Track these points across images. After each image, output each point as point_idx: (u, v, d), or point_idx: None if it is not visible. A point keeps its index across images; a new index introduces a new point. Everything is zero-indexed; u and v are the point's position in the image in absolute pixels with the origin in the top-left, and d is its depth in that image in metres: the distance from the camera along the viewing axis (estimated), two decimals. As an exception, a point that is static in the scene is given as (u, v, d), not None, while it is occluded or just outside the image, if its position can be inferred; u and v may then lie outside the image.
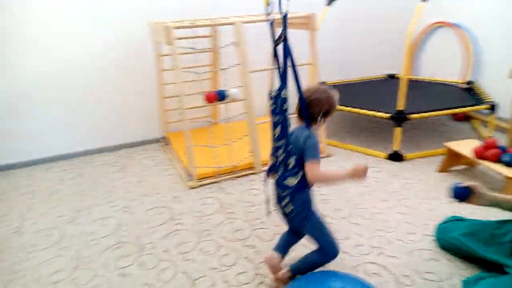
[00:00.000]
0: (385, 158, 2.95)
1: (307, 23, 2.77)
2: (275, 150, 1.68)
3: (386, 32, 4.05)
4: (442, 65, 3.99)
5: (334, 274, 1.53)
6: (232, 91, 2.63)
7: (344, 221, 2.20)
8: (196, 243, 2.07)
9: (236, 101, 2.69)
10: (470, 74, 3.66)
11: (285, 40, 1.57)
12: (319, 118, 1.62)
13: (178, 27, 2.44)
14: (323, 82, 3.89)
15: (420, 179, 2.64)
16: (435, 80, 3.76)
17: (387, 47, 4.14)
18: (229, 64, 2.75)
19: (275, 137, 1.67)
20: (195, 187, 2.63)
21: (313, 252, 1.72)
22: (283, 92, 1.59)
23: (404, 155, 2.92)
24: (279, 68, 1.63)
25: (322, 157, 2.98)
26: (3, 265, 1.95)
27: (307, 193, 1.65)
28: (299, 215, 1.65)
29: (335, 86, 3.83)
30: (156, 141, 3.53)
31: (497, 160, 2.34)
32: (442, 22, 3.88)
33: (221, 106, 3.35)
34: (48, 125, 3.15)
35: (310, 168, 1.56)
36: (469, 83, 3.49)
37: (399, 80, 3.93)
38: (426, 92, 3.56)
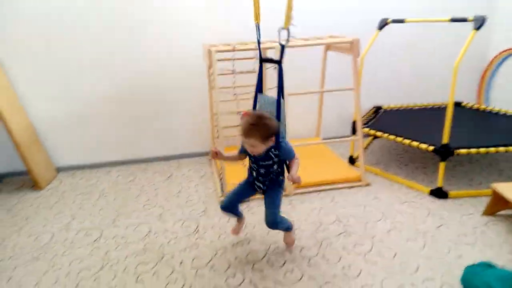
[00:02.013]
0: (427, 194, 2.78)
1: (350, 48, 2.73)
2: None
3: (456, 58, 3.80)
4: (515, 95, 3.62)
5: None
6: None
7: (360, 257, 2.14)
8: (209, 259, 2.18)
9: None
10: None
11: (280, 66, 1.98)
12: None
13: (219, 51, 2.58)
14: (379, 107, 3.79)
15: (459, 221, 2.44)
16: (504, 112, 3.42)
17: (458, 73, 3.88)
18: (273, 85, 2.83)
19: None
20: (225, 204, 2.75)
21: None
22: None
23: (449, 192, 2.72)
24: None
25: (359, 185, 2.94)
26: (44, 257, 2.26)
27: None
28: None
29: (392, 111, 3.72)
30: (206, 154, 3.74)
31: (546, 211, 2.09)
32: (516, 49, 3.53)
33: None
34: (112, 135, 3.52)
35: None
36: (540, 118, 3.13)
37: (464, 108, 3.71)
38: (489, 124, 3.26)
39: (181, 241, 2.36)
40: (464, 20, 2.61)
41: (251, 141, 1.83)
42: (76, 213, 2.76)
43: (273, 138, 1.88)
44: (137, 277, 2.05)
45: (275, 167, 2.00)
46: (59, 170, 3.51)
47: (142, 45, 3.29)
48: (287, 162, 2.04)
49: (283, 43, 1.97)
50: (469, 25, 2.57)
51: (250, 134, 1.82)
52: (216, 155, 1.97)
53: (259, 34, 2.04)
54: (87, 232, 2.51)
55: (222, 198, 2.28)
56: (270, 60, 2.08)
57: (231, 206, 2.18)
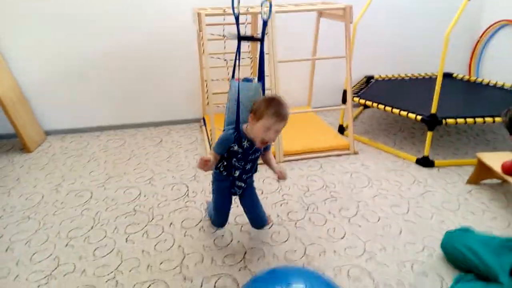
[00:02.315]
0: (414, 162, 2.83)
1: (343, 15, 2.71)
2: None
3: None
4: (506, 67, 3.64)
5: (295, 272, 1.55)
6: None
7: (345, 221, 2.20)
8: (199, 221, 2.22)
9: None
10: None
11: (262, 42, 1.78)
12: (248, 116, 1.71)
13: (209, 14, 2.54)
14: (371, 76, 3.79)
15: (443, 188, 2.51)
16: (494, 84, 3.45)
17: (450, 44, 3.87)
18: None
19: None
20: (215, 169, 2.78)
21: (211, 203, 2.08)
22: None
23: (435, 161, 2.78)
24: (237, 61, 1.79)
25: (348, 154, 2.98)
26: (35, 217, 2.29)
27: (215, 172, 1.89)
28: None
29: (383, 81, 3.73)
30: (197, 121, 3.73)
31: (527, 179, 2.15)
32: (508, 20, 3.51)
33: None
34: (101, 99, 3.49)
35: None
36: (529, 89, 3.17)
37: (455, 79, 3.73)
38: (478, 95, 3.30)
39: (171, 204, 2.40)
40: (458, -12, 2.59)
41: (282, 126, 1.66)
42: (67, 175, 2.77)
43: None
44: (127, 237, 2.09)
45: (258, 160, 1.87)
46: (48, 133, 3.49)
47: (132, 9, 3.22)
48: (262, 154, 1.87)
49: (265, 17, 1.77)
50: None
51: (286, 118, 1.65)
52: (206, 163, 1.64)
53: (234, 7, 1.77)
54: (78, 193, 2.53)
55: (214, 221, 2.06)
56: (251, 38, 1.93)
57: (226, 219, 2.00)
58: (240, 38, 1.79)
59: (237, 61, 1.78)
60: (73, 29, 3.20)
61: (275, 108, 1.61)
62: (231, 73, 1.86)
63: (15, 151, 3.20)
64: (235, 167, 1.79)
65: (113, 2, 3.17)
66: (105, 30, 3.25)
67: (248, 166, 1.82)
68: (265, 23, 1.79)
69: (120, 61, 3.37)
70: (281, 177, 1.79)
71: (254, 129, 1.66)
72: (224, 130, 1.78)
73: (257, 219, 1.95)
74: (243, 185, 1.87)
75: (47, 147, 3.25)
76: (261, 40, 1.82)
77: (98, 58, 3.32)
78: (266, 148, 1.84)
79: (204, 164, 1.62)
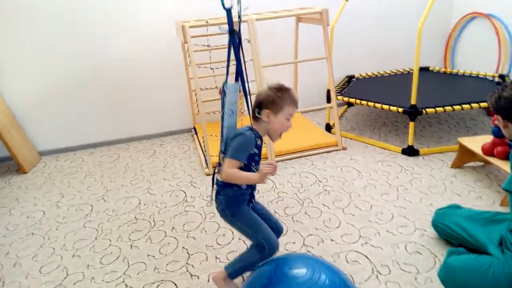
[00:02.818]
0: (399, 153, 2.97)
1: (320, 18, 2.85)
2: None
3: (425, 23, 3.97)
4: (479, 57, 3.83)
5: (297, 258, 1.64)
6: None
7: (339, 211, 2.30)
8: (199, 223, 2.30)
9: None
10: (506, 67, 3.50)
11: (239, 40, 1.75)
12: (255, 113, 1.58)
13: (192, 26, 2.65)
14: (352, 76, 3.94)
15: (430, 174, 2.64)
16: (469, 73, 3.63)
17: (424, 39, 4.06)
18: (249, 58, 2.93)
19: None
20: (210, 174, 2.87)
21: (248, 250, 1.69)
22: (225, 85, 1.66)
23: (419, 150, 2.91)
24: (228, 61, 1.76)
25: (336, 150, 3.09)
26: (39, 233, 2.34)
27: (234, 190, 1.60)
28: (224, 212, 1.64)
29: (364, 79, 3.88)
30: (188, 131, 3.82)
31: (505, 157, 2.29)
32: (478, 13, 3.72)
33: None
34: (91, 116, 3.55)
35: (224, 165, 1.53)
36: (501, 76, 3.34)
37: (432, 72, 3.90)
38: (455, 85, 3.47)
39: (171, 209, 2.47)
40: (426, -15, 2.75)
41: (296, 110, 1.63)
42: (65, 191, 2.82)
43: None
44: (132, 244, 2.16)
45: None
46: (42, 154, 3.53)
47: (118, 26, 3.33)
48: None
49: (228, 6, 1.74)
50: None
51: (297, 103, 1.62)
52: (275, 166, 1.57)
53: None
54: (78, 207, 2.59)
55: (273, 242, 1.63)
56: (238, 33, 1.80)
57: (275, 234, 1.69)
58: (232, 31, 1.75)
59: (229, 58, 1.77)
60: (61, 48, 3.27)
61: (289, 95, 1.57)
62: (219, 81, 1.90)
63: (11, 173, 3.23)
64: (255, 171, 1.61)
65: (99, 20, 3.27)
66: (91, 47, 3.33)
67: (256, 168, 1.64)
68: (239, 17, 1.76)
69: (108, 78, 3.45)
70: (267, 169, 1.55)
71: (276, 123, 1.57)
72: (238, 135, 1.57)
73: (277, 222, 1.78)
74: (254, 193, 1.73)
75: (42, 167, 3.29)
76: (238, 33, 1.77)
77: (86, 76, 3.40)
78: None
79: (274, 168, 1.55)
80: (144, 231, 2.27)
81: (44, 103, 3.39)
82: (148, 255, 2.05)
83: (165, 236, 2.20)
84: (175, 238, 2.17)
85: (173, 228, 2.27)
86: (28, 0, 3.08)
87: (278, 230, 1.76)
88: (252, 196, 1.70)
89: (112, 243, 2.18)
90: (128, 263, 2.00)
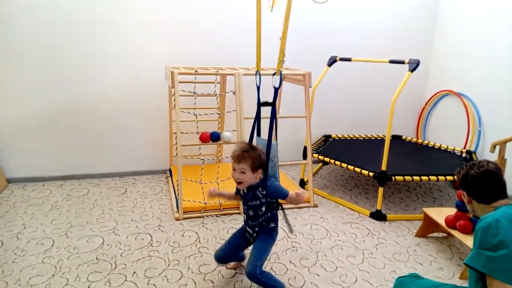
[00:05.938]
0: (368, 216, 3.03)
1: (303, 80, 3.00)
2: None
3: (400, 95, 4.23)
4: (448, 132, 4.06)
5: None
6: (226, 134, 2.88)
7: (305, 270, 2.31)
8: (162, 270, 2.25)
9: (230, 143, 2.92)
10: (473, 144, 3.71)
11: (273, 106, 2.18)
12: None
13: (182, 73, 2.75)
14: (329, 135, 4.08)
15: (395, 240, 2.70)
16: (438, 146, 3.82)
17: (399, 109, 4.31)
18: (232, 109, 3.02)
19: None
20: (180, 219, 2.85)
21: None
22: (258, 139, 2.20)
23: (387, 215, 2.99)
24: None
25: (308, 207, 3.14)
26: (-7, 264, 2.23)
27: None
28: None
29: (340, 140, 4.02)
30: (163, 172, 3.81)
31: (467, 231, 2.37)
32: (449, 91, 3.99)
33: (226, 146, 3.58)
34: (65, 149, 3.53)
35: None
36: (468, 152, 3.53)
37: (404, 141, 4.09)
38: (425, 156, 3.63)
39: (134, 253, 2.42)
40: (401, 62, 2.97)
41: (242, 166, 1.90)
42: (28, 223, 2.73)
43: (261, 171, 1.97)
44: (89, 285, 2.08)
45: (263, 209, 2.01)
46: (9, 181, 3.44)
47: (100, 61, 3.41)
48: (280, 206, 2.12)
49: (276, 86, 2.20)
50: (407, 67, 2.93)
51: (242, 159, 1.90)
52: (213, 192, 2.10)
53: (259, 80, 2.21)
54: (39, 241, 2.50)
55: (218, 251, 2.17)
56: (267, 104, 2.18)
57: (224, 257, 2.14)
58: (260, 104, 2.20)
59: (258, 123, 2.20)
60: (40, 79, 3.31)
61: (235, 151, 1.95)
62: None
63: (-27, 198, 3.13)
64: (244, 211, 2.12)
65: (81, 53, 3.34)
66: (73, 80, 3.38)
67: (251, 213, 2.05)
68: (276, 90, 2.22)
69: (87, 112, 3.48)
70: (289, 200, 1.94)
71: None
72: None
73: (247, 266, 1.93)
74: (251, 232, 2.09)
75: (7, 195, 3.19)
76: (273, 105, 2.18)
77: (64, 108, 3.42)
78: (280, 196, 2.01)
79: (211, 194, 2.11)
80: (104, 273, 2.20)
81: (19, 130, 3.36)
82: (105, 300, 1.98)
83: (125, 280, 2.14)
84: (135, 284, 2.11)
85: (134, 272, 2.22)
86: (12, 33, 3.15)
87: (246, 271, 1.95)
88: (246, 224, 2.12)
89: (69, 282, 2.10)
90: (82, 306, 1.93)
